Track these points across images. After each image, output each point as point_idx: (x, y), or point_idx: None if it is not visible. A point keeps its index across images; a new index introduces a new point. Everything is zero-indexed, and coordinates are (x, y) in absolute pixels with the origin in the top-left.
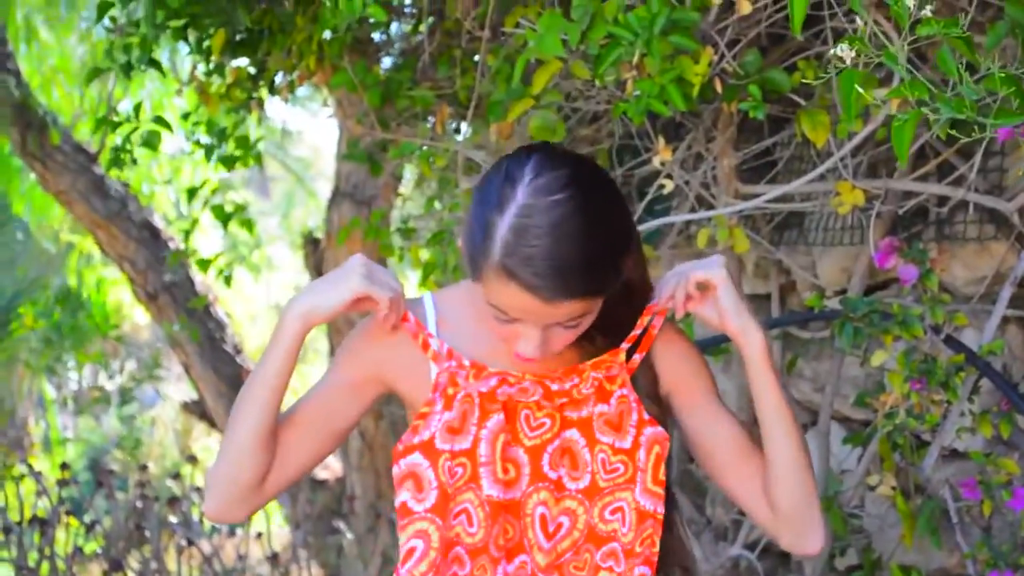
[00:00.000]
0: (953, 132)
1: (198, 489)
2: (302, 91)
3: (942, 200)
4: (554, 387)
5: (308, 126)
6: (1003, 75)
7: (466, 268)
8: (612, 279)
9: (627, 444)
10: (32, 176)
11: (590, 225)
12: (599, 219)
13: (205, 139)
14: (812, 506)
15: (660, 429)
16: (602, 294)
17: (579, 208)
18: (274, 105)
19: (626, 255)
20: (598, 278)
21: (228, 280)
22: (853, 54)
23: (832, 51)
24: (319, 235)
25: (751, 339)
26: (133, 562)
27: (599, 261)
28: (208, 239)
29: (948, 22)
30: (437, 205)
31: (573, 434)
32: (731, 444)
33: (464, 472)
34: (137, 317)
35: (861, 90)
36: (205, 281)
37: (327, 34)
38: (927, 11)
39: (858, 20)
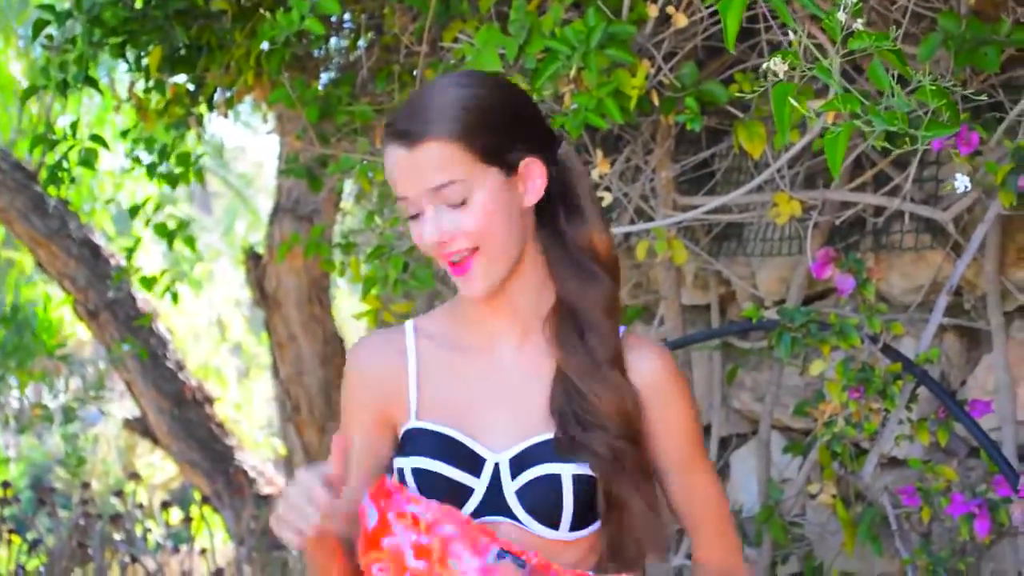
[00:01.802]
0: (887, 144)
1: (141, 506)
2: (243, 107)
3: (878, 210)
4: None
5: (249, 142)
6: (934, 87)
7: None
8: (479, 125)
9: None
10: None
11: (469, 83)
12: (482, 85)
13: (146, 156)
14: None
15: None
16: (468, 141)
17: (468, 78)
18: (215, 121)
19: (515, 135)
20: (453, 115)
21: (175, 297)
22: (786, 67)
23: (766, 64)
24: (261, 250)
25: None
26: None
27: (467, 105)
28: (150, 254)
29: (879, 36)
30: (377, 220)
31: None
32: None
33: None
34: (79, 334)
35: (795, 103)
36: (147, 298)
37: (266, 48)
38: (859, 24)
39: (791, 34)
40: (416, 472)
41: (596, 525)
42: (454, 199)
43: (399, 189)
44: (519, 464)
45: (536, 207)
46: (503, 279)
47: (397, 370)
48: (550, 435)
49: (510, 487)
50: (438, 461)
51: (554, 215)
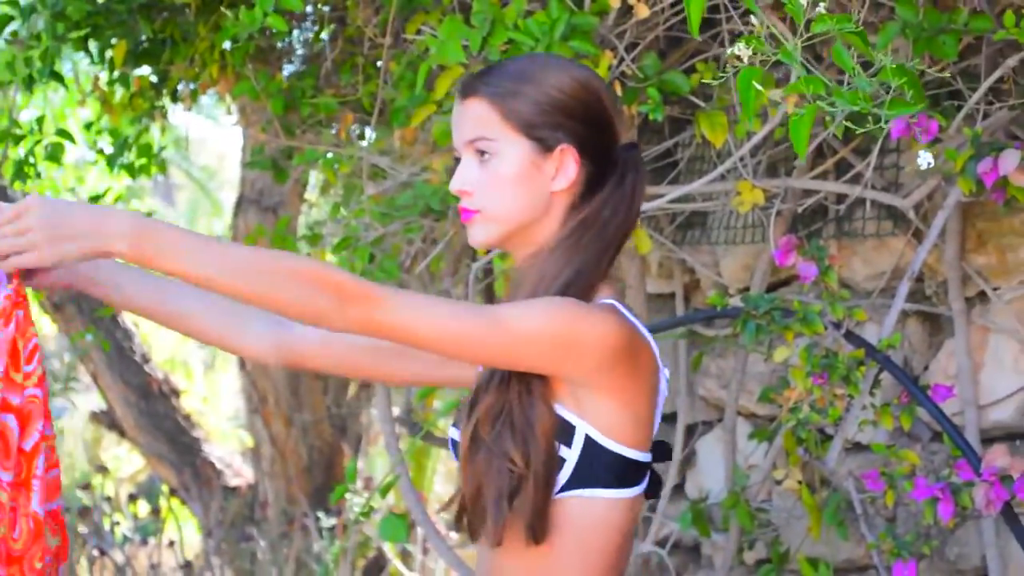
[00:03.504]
0: (851, 125)
1: (108, 499)
2: (205, 99)
3: (840, 198)
4: None
5: (211, 134)
6: (895, 67)
7: None
8: (519, 97)
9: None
10: None
11: (545, 61)
12: (557, 68)
13: (108, 148)
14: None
15: None
16: (501, 103)
17: (552, 58)
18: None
19: (559, 121)
20: (499, 81)
21: None
22: (750, 53)
23: (729, 51)
24: None
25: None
26: None
27: (525, 77)
28: None
29: (841, 18)
30: (343, 211)
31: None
32: None
33: None
34: (44, 328)
35: (760, 88)
36: None
37: (228, 43)
38: (820, 8)
39: (754, 20)
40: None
41: None
42: (480, 152)
43: (452, 138)
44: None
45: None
46: (508, 243)
47: None
48: None
49: None
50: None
51: (595, 208)
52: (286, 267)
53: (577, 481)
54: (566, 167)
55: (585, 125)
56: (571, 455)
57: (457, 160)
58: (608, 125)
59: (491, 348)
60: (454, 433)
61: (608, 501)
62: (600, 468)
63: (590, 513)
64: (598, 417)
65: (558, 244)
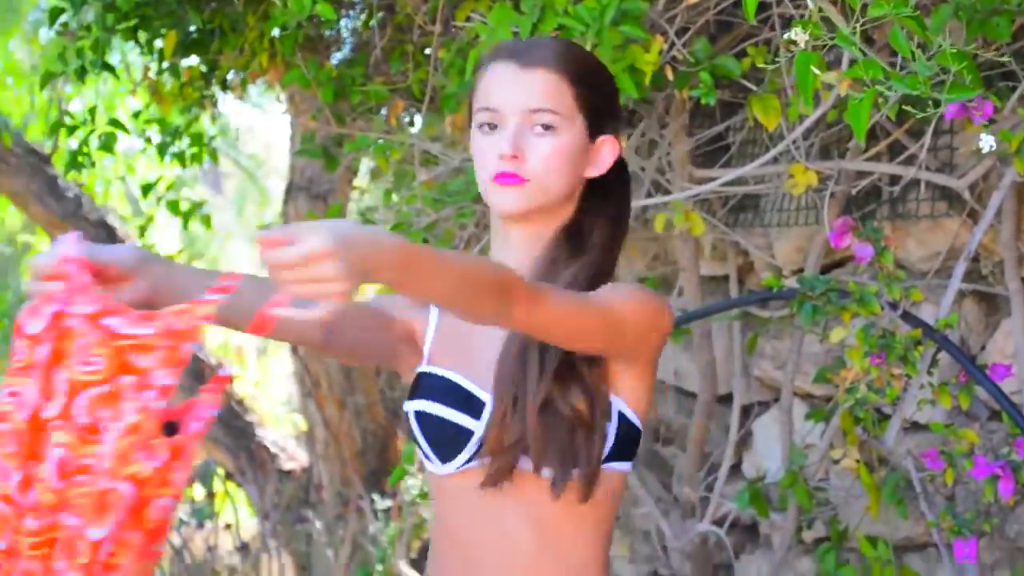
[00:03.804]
0: (908, 108)
1: None
2: (253, 88)
3: (894, 179)
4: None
5: (259, 123)
6: (954, 51)
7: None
8: (589, 82)
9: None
10: None
11: (579, 47)
12: (596, 57)
13: (158, 137)
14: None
15: None
16: (578, 79)
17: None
18: (226, 102)
19: (609, 109)
20: (574, 61)
21: None
22: (807, 37)
23: (784, 36)
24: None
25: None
26: None
27: (588, 61)
28: (165, 235)
29: (897, 2)
30: (395, 197)
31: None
32: None
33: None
34: None
35: (817, 71)
36: None
37: (277, 31)
38: None
39: (810, 3)
40: (418, 415)
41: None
42: (544, 122)
43: (493, 100)
44: None
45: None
46: (532, 216)
47: (424, 314)
48: None
49: None
50: (439, 404)
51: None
52: (486, 277)
53: (615, 454)
54: (603, 157)
55: (617, 114)
56: (611, 429)
57: (491, 127)
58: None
59: (602, 336)
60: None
61: (623, 474)
62: (628, 443)
63: (613, 483)
64: (630, 392)
65: (601, 230)
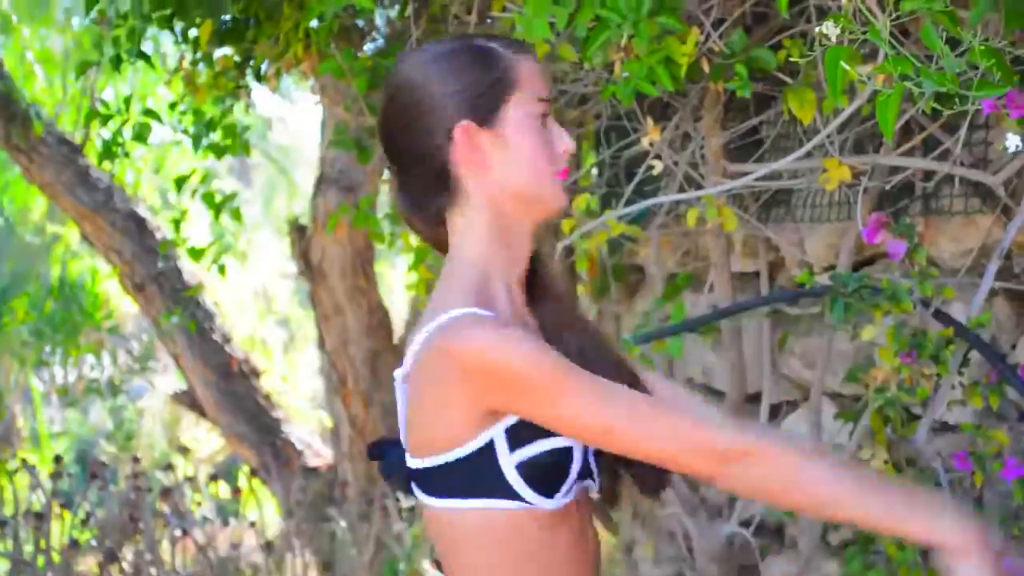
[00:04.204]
0: (938, 106)
1: (190, 479)
2: (284, 79)
3: (928, 175)
4: None
5: (288, 114)
6: (984, 48)
7: (477, 111)
8: None
9: None
10: (12, 169)
11: None
12: None
13: (191, 128)
14: None
15: None
16: None
17: None
18: (257, 93)
19: None
20: None
21: (223, 269)
22: (838, 31)
23: (817, 29)
24: (305, 222)
25: None
26: (128, 553)
27: None
28: (194, 228)
29: None
30: None
31: None
32: None
33: None
34: (123, 308)
35: (847, 66)
36: (193, 270)
37: (314, 22)
38: None
39: None
40: (520, 465)
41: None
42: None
43: (547, 92)
44: None
45: None
46: None
47: None
48: None
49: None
50: (535, 443)
51: None
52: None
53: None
54: None
55: None
56: None
57: (545, 117)
58: None
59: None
60: None
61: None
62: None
63: None
64: None
65: None
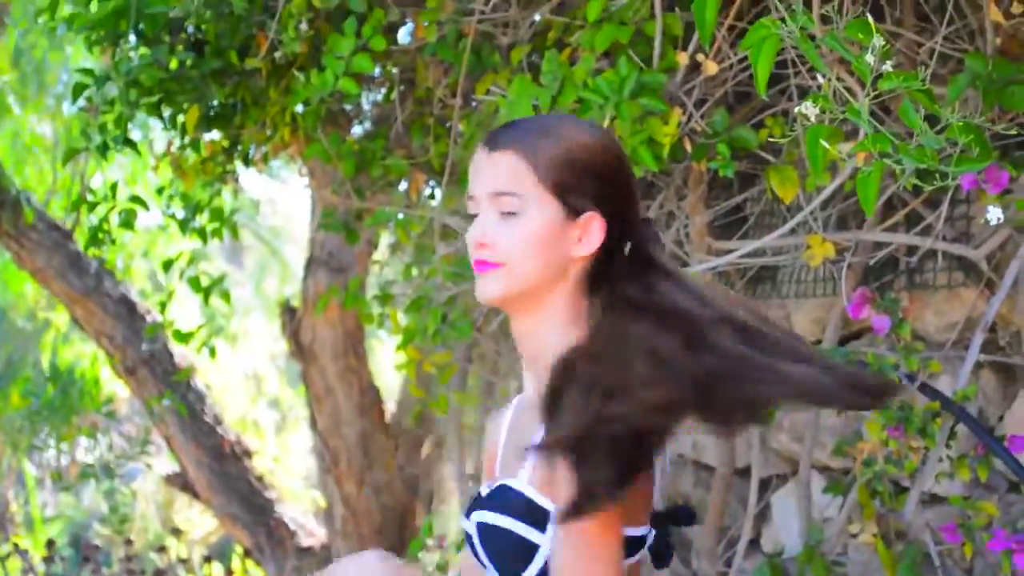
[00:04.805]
0: (918, 182)
1: (183, 561)
2: (273, 161)
3: (911, 249)
4: None
5: (278, 195)
6: (961, 124)
7: None
8: (558, 159)
9: None
10: (3, 255)
11: (571, 123)
12: (580, 129)
13: (180, 212)
14: None
15: None
16: (539, 165)
17: (574, 120)
18: (247, 175)
19: (587, 185)
20: (542, 145)
21: (212, 352)
22: (817, 111)
23: (797, 108)
24: (296, 303)
25: None
26: None
27: (554, 136)
28: (184, 310)
29: (908, 76)
30: (415, 271)
31: None
32: None
33: None
34: (117, 391)
35: (827, 145)
36: (184, 353)
37: (300, 107)
38: (888, 66)
39: (820, 78)
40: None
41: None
42: (507, 209)
43: (471, 187)
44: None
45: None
46: (515, 303)
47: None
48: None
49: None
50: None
51: (613, 276)
52: None
53: None
54: (591, 234)
55: (610, 187)
56: None
57: (474, 215)
58: (632, 193)
59: None
60: None
61: None
62: None
63: None
64: None
65: (599, 333)
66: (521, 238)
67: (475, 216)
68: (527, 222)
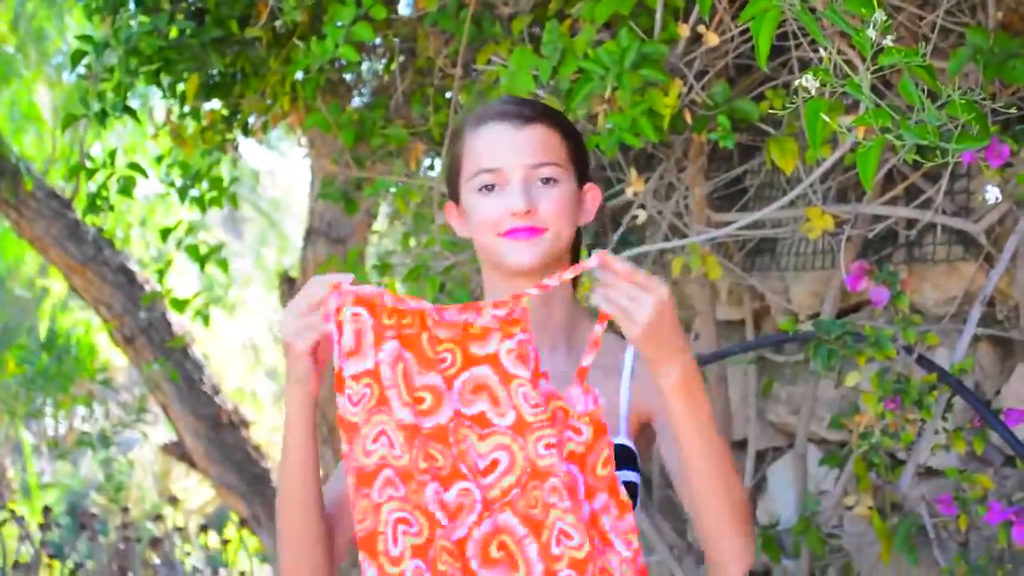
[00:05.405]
0: (918, 157)
1: (179, 529)
2: (272, 131)
3: (911, 223)
4: (447, 316)
5: (278, 167)
6: (963, 101)
7: (450, 190)
8: (573, 130)
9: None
10: (2, 224)
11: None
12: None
13: (179, 181)
14: (728, 535)
15: None
16: (565, 133)
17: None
18: (246, 146)
19: (586, 161)
20: (560, 115)
21: (206, 320)
22: (818, 84)
23: (798, 81)
24: (294, 274)
25: (667, 370)
26: None
27: (558, 111)
28: (183, 280)
29: (909, 51)
30: (413, 241)
31: (484, 370)
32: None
33: (372, 393)
34: (114, 360)
35: (827, 118)
36: (182, 323)
37: (300, 75)
38: (889, 40)
39: (822, 52)
40: None
41: None
42: (548, 175)
43: (495, 160)
44: None
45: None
46: (545, 269)
47: None
48: None
49: None
50: None
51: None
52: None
53: None
54: (589, 204)
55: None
56: None
57: (491, 188)
58: None
59: None
60: None
61: None
62: None
63: None
64: None
65: None
66: (561, 204)
67: (487, 188)
68: (564, 190)
